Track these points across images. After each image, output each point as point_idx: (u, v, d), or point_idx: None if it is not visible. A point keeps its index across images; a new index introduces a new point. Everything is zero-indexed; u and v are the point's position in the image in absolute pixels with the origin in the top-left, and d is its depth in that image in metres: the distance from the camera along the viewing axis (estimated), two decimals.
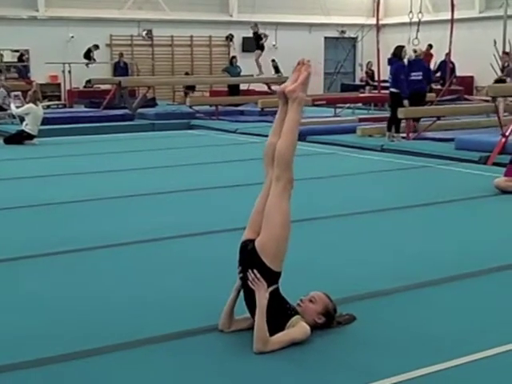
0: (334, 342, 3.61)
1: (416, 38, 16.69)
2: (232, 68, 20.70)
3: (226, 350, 3.52)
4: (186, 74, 23.39)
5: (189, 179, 8.45)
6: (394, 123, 12.08)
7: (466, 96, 19.73)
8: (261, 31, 20.81)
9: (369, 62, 22.69)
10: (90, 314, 4.04)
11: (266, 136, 14.49)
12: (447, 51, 18.11)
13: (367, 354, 3.46)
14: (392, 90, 12.35)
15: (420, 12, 17.70)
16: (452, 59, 18.37)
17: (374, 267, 4.90)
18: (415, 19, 17.96)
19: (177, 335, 3.66)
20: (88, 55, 21.93)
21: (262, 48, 20.73)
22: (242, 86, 20.85)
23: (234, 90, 19.97)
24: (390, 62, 12.62)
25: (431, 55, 20.40)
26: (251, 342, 3.43)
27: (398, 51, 12.55)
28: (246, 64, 20.99)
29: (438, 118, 12.51)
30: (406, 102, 12.03)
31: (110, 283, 4.62)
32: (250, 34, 21.32)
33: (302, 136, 13.03)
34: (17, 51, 22.56)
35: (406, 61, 12.81)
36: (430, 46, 20.31)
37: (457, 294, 4.38)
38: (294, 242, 5.56)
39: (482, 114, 14.33)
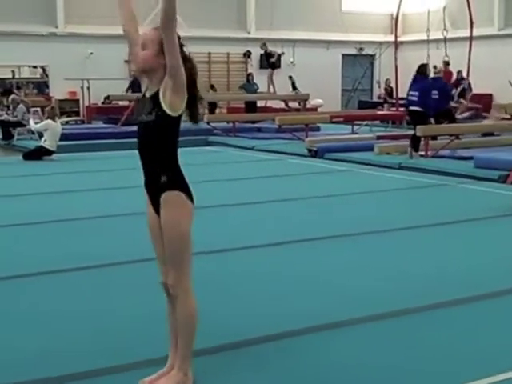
0: (351, 360, 3.58)
1: (446, 54, 16.67)
2: (249, 85, 20.78)
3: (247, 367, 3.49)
4: (212, 86, 23.33)
5: (208, 196, 8.44)
6: (416, 141, 12.02)
7: (485, 114, 19.63)
8: (270, 49, 20.87)
9: (387, 79, 22.67)
10: (111, 330, 4.03)
11: (284, 153, 14.50)
12: (459, 69, 18.12)
13: (378, 376, 3.41)
14: (416, 108, 12.20)
15: (444, 29, 17.72)
16: (470, 76, 18.33)
17: (390, 286, 4.86)
18: (432, 36, 18.02)
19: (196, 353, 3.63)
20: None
21: (273, 66, 20.78)
22: (260, 103, 20.92)
23: (251, 106, 20.03)
24: (414, 79, 12.53)
25: (450, 73, 20.28)
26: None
27: (424, 69, 12.52)
28: (264, 81, 21.05)
29: (457, 136, 12.44)
30: (432, 120, 12.02)
31: (134, 298, 4.60)
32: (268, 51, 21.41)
33: (320, 153, 13.05)
34: (35, 67, 22.79)
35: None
36: (447, 63, 20.23)
37: (474, 314, 4.32)
38: (311, 260, 5.58)
39: (502, 132, 14.27)
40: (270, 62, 20.72)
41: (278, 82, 21.73)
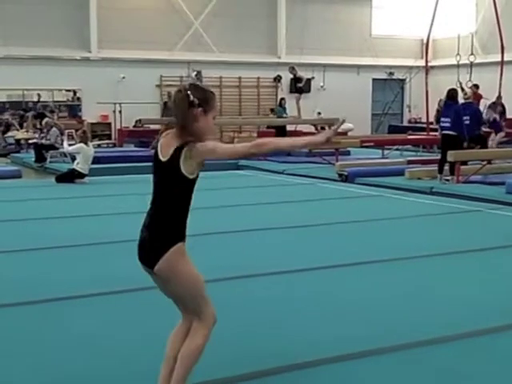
0: None
1: (469, 80, 16.63)
2: (281, 109, 20.86)
3: None
4: (272, 110, 23.17)
5: (239, 220, 8.45)
6: (444, 165, 11.98)
7: None
8: (300, 74, 20.92)
9: (440, 100, 22.54)
10: (144, 355, 4.03)
11: (314, 177, 14.38)
12: (497, 94, 18.01)
13: None
14: (449, 132, 12.16)
15: (472, 54, 17.66)
16: (503, 101, 18.23)
17: (423, 314, 4.81)
18: (463, 61, 17.98)
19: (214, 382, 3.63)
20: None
21: (300, 91, 20.81)
22: (289, 127, 20.96)
23: (280, 131, 20.07)
24: (445, 105, 12.54)
25: (480, 96, 20.20)
26: None
27: (454, 93, 12.51)
28: (293, 105, 21.11)
29: (489, 161, 12.34)
30: (465, 144, 12.00)
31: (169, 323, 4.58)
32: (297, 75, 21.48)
33: (350, 177, 13.02)
34: (69, 91, 23.14)
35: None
36: (476, 86, 20.12)
37: (507, 343, 4.26)
38: (345, 285, 5.54)
39: None
40: (297, 86, 20.80)
41: (307, 106, 21.76)
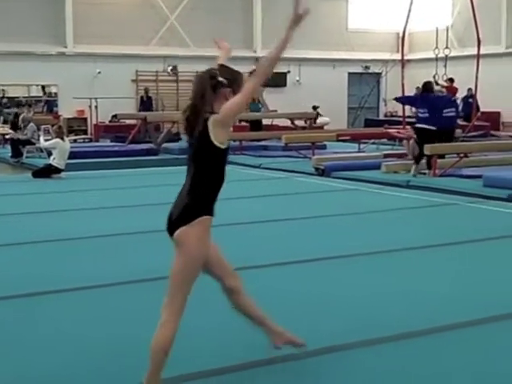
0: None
1: (445, 73, 16.71)
2: (252, 104, 20.82)
3: None
4: (314, 107, 22.86)
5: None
6: (421, 157, 12.00)
7: (493, 132, 19.61)
8: None
9: (418, 88, 22.67)
10: (117, 354, 4.00)
11: (290, 171, 14.31)
12: (469, 87, 18.10)
13: None
14: (425, 126, 12.18)
15: (447, 47, 17.76)
16: (477, 95, 18.33)
17: (402, 307, 4.83)
18: (439, 55, 18.08)
19: (204, 373, 3.61)
20: None
21: (263, 85, 20.78)
22: (266, 121, 20.96)
23: (256, 125, 20.04)
24: (422, 97, 12.56)
25: (456, 89, 20.35)
26: None
27: (430, 86, 12.57)
28: (270, 99, 21.10)
29: (466, 154, 12.41)
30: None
31: (140, 320, 4.55)
32: (278, 70, 21.45)
33: (327, 171, 13.03)
34: (43, 86, 22.98)
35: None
36: (451, 80, 20.25)
37: (484, 337, 4.27)
38: (319, 279, 5.53)
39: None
40: None
41: (283, 100, 21.70)
